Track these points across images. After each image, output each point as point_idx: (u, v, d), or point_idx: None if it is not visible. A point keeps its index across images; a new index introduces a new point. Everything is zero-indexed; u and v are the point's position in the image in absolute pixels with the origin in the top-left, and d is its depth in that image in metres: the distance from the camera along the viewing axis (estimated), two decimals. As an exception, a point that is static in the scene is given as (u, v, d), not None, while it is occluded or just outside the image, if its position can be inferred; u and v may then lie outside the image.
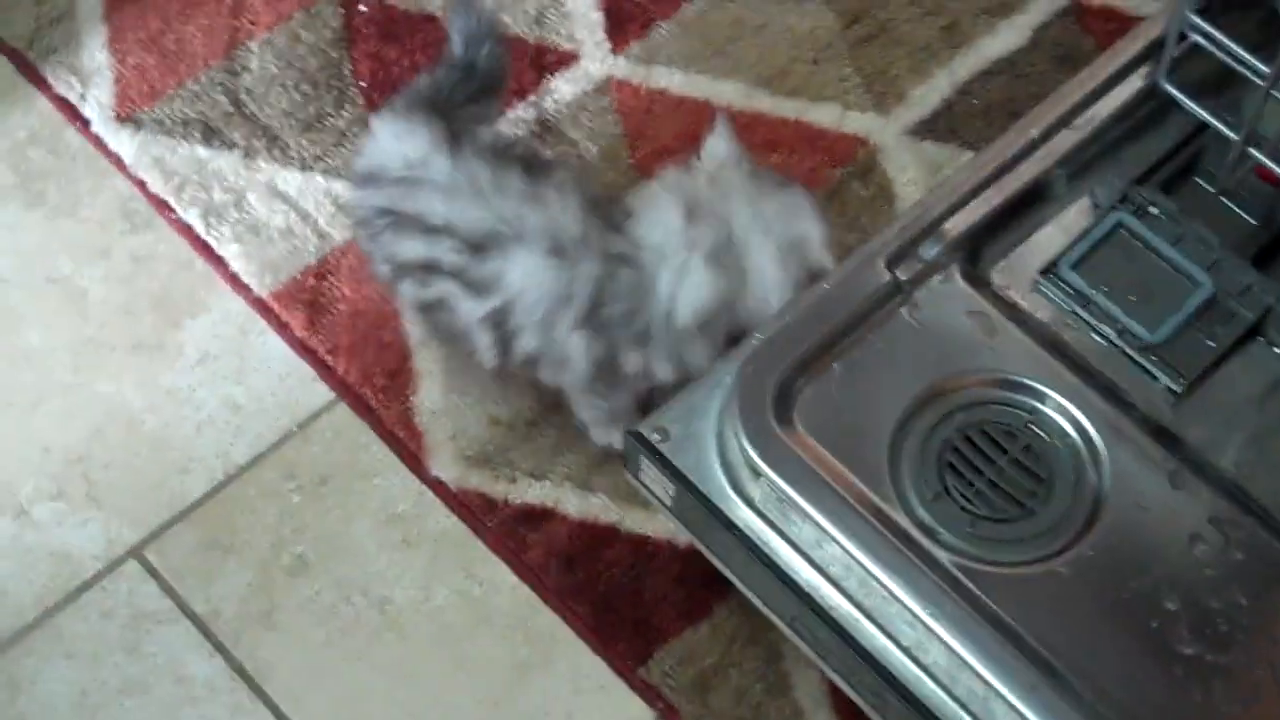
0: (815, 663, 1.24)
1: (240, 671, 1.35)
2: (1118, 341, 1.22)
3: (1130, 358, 1.21)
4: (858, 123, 1.60)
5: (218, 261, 1.54)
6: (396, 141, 1.31)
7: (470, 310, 1.29)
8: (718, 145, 1.32)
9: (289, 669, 1.35)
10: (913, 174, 1.56)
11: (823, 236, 1.28)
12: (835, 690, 1.30)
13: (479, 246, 1.27)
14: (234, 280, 1.52)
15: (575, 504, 1.41)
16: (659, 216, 1.29)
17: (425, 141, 1.30)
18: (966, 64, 1.63)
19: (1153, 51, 1.30)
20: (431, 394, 1.47)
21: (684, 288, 1.26)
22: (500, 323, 1.29)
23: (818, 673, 1.31)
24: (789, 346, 1.20)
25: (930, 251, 1.24)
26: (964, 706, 1.10)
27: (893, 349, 1.21)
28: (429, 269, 1.30)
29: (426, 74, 1.41)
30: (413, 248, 1.30)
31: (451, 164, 1.29)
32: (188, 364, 1.49)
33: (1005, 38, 1.65)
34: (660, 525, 1.39)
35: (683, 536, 1.36)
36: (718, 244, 1.26)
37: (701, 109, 1.60)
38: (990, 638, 1.08)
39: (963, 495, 1.16)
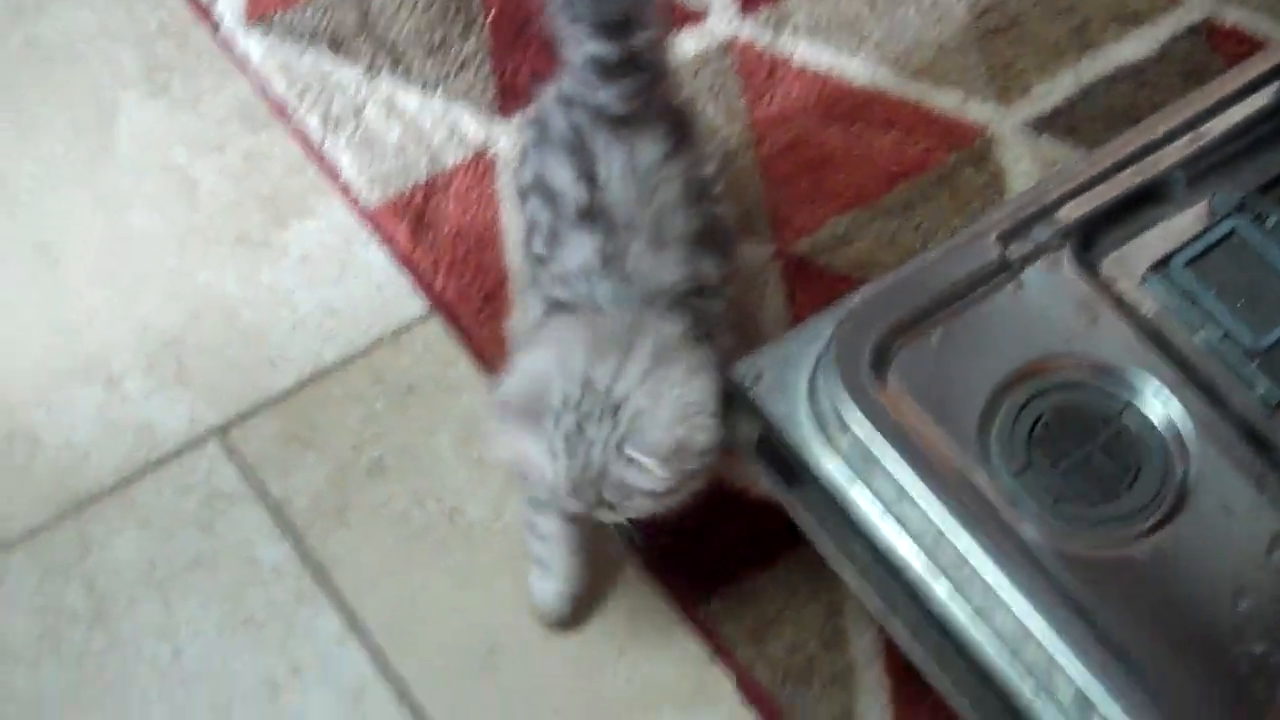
0: (875, 620, 1.26)
1: (307, 559, 1.37)
2: (1221, 344, 1.22)
3: (1232, 361, 1.21)
4: (978, 111, 1.61)
5: (330, 169, 1.56)
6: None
7: None
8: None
9: (356, 565, 1.37)
10: (1027, 166, 1.57)
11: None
12: (890, 650, 1.31)
13: None
14: (344, 189, 1.55)
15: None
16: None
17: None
18: (1093, 67, 1.64)
19: (1287, 66, 1.30)
20: (525, 319, 1.48)
21: None
22: None
23: (874, 632, 1.32)
24: (891, 307, 1.20)
25: (1043, 234, 1.24)
26: (1026, 675, 1.10)
27: (994, 323, 1.21)
28: None
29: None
30: None
31: None
32: (289, 264, 1.52)
33: (1134, 46, 1.65)
34: (741, 472, 1.39)
35: (758, 485, 1.37)
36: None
37: (823, 81, 1.61)
38: (1060, 611, 1.08)
39: (1048, 472, 1.16)
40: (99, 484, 1.40)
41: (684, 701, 1.32)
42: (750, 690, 1.32)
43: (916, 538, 1.15)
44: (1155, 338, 1.22)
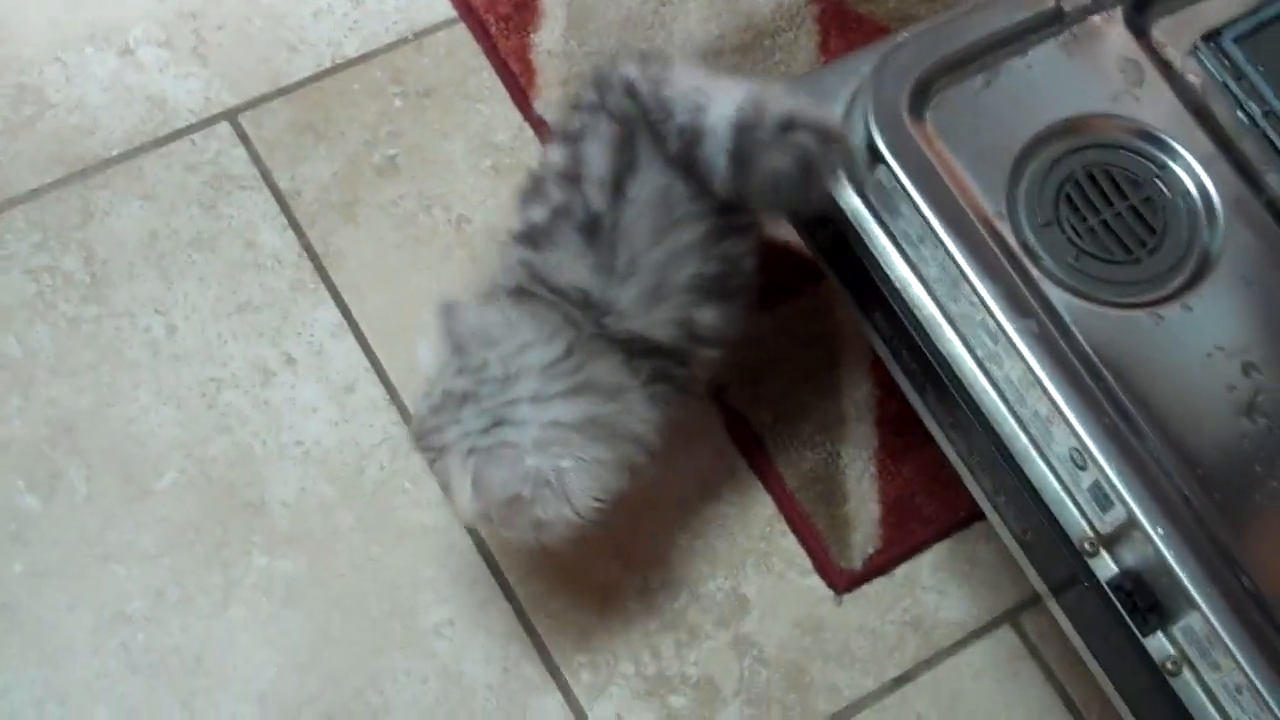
0: (871, 376, 1.26)
1: (309, 250, 1.35)
2: (1262, 121, 1.19)
3: (1271, 140, 1.19)
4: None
5: None
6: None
7: None
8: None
9: (357, 261, 1.35)
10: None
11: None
12: (882, 403, 1.31)
13: None
14: (385, -118, 1.49)
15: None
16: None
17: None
18: None
19: None
20: (553, 35, 1.45)
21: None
22: None
23: (869, 387, 1.33)
24: (937, 44, 1.18)
25: (1098, -11, 1.21)
26: (1024, 426, 1.10)
27: (1039, 74, 1.19)
28: None
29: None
30: None
31: None
32: (322, -54, 1.47)
33: None
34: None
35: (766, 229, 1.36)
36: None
37: None
38: (1066, 364, 1.08)
39: (1074, 228, 1.15)
40: (105, 151, 1.37)
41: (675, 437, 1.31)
42: (738, 428, 1.31)
43: (933, 280, 1.14)
44: (1197, 108, 1.19)
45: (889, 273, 1.16)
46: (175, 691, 1.18)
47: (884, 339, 1.19)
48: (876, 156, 1.14)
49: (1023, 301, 1.10)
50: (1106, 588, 1.06)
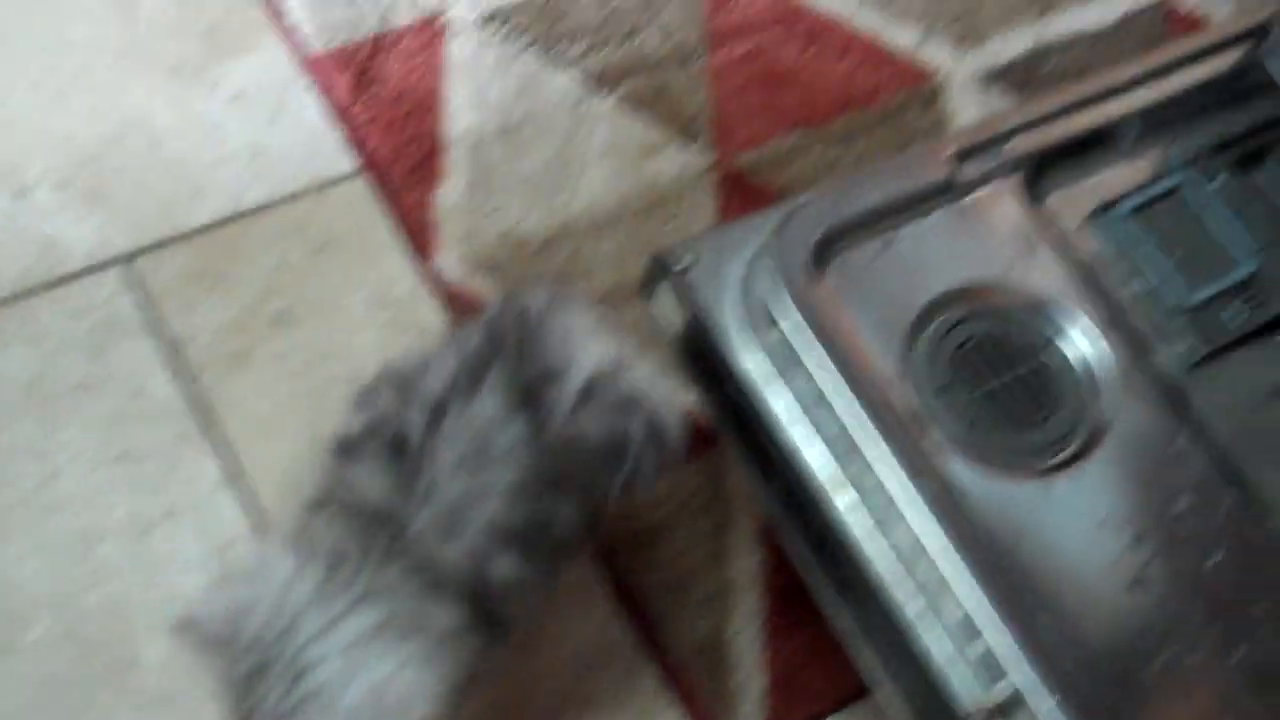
0: (761, 544, 1.27)
1: (197, 400, 1.32)
2: (1151, 295, 1.22)
3: (1160, 314, 1.21)
4: (934, 54, 1.60)
5: (276, 8, 1.51)
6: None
7: None
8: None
9: (247, 412, 1.33)
10: (973, 114, 1.56)
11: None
12: (774, 572, 1.30)
13: None
14: (289, 31, 1.50)
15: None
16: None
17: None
18: (1053, 28, 1.63)
19: (1255, 34, 1.29)
20: (456, 191, 1.45)
21: None
22: None
23: (759, 556, 1.31)
24: (838, 208, 1.19)
25: (994, 161, 1.23)
26: (915, 594, 1.08)
27: (935, 240, 1.21)
28: None
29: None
30: None
31: None
32: (223, 98, 1.47)
33: (1096, 14, 1.65)
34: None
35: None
36: None
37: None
38: (957, 532, 1.07)
39: (966, 395, 1.15)
40: (-4, 293, 1.35)
41: (556, 603, 1.28)
42: (624, 595, 1.29)
43: (828, 443, 1.13)
44: (1089, 279, 1.21)
45: (783, 435, 1.15)
46: None
47: (776, 504, 1.18)
48: (777, 315, 1.14)
49: (917, 467, 1.10)
50: (996, 760, 1.04)
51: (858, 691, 1.24)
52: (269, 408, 1.33)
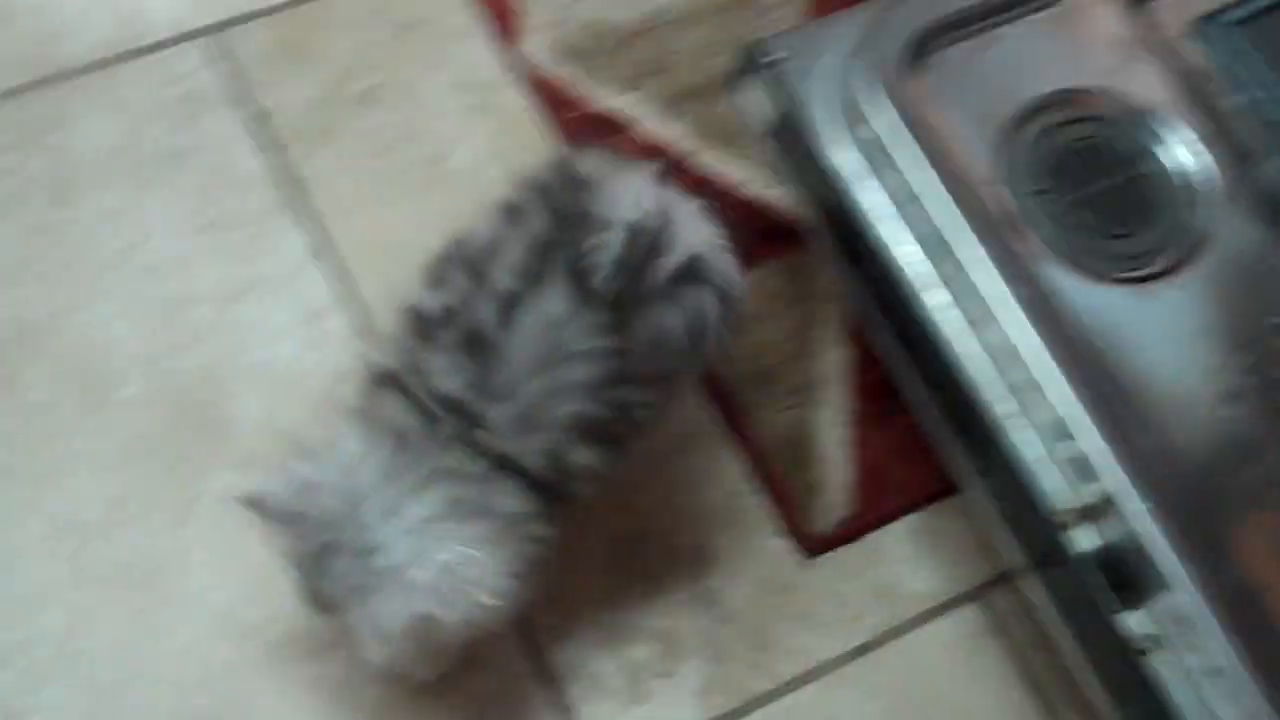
0: (850, 339, 1.27)
1: (285, 175, 1.33)
2: (1254, 107, 1.20)
3: (1262, 126, 1.19)
4: None
5: None
6: None
7: None
8: None
9: (333, 187, 1.33)
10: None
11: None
12: (861, 368, 1.30)
13: None
14: None
15: (654, 125, 1.39)
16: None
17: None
18: None
19: None
20: (546, -26, 1.43)
21: None
22: None
23: (848, 349, 1.31)
24: (935, 3, 1.18)
25: (1097, -38, 1.21)
26: (1006, 395, 1.09)
27: (1039, 42, 1.19)
28: None
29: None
30: None
31: None
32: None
33: None
34: (732, 170, 1.37)
35: (752, 187, 1.35)
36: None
37: None
38: (1053, 333, 1.07)
39: (1064, 199, 1.15)
40: (81, 59, 1.34)
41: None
42: (713, 385, 1.30)
43: (921, 242, 1.13)
44: (1191, 89, 1.20)
45: (874, 232, 1.14)
46: (126, 604, 1.15)
47: (867, 301, 1.18)
48: (871, 112, 1.13)
49: (1011, 268, 1.10)
50: (1082, 562, 1.05)
51: (940, 490, 1.25)
52: (354, 184, 1.33)
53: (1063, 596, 1.08)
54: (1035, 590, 1.10)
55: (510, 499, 0.99)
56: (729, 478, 1.26)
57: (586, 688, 1.17)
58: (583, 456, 1.01)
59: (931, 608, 1.24)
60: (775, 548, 1.24)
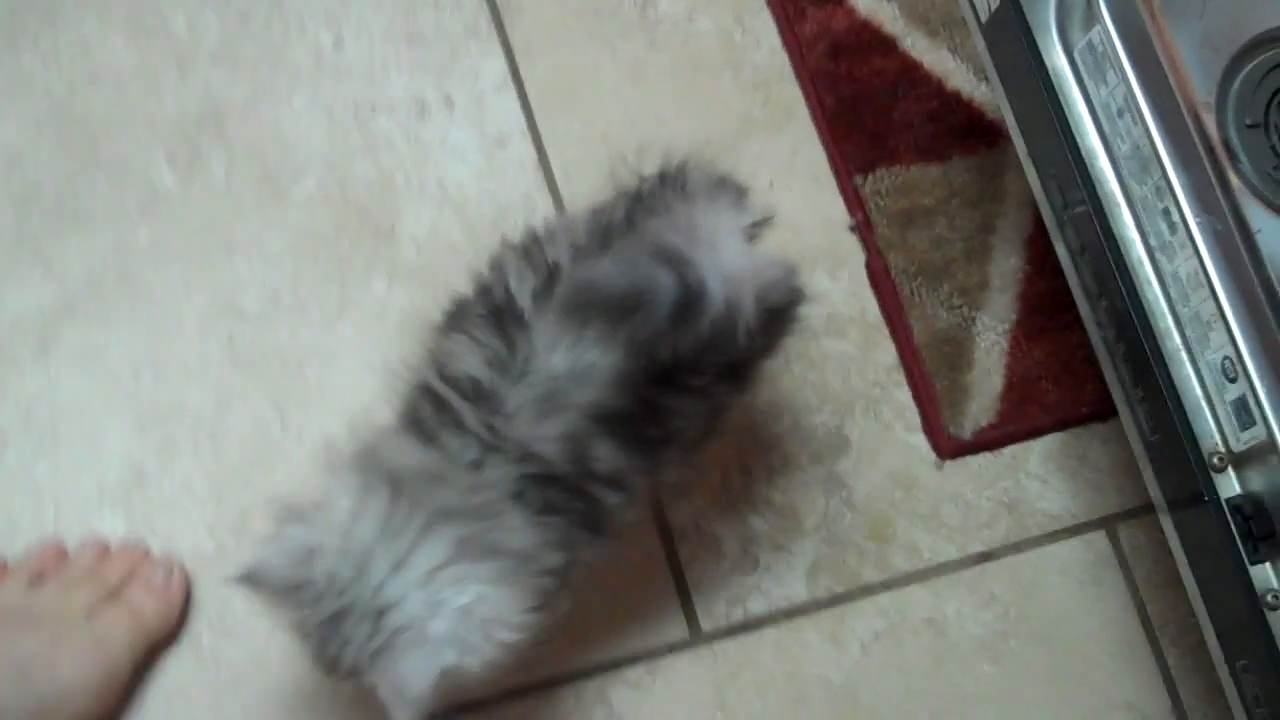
0: (1024, 248, 1.22)
1: (488, 0, 1.32)
2: None
3: None
4: None
5: None
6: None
7: None
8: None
9: (534, 19, 1.32)
10: None
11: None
12: (1030, 279, 1.28)
13: None
14: None
15: (867, 3, 1.35)
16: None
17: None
18: None
19: None
20: None
21: None
22: None
23: (1020, 259, 1.28)
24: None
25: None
26: (1181, 326, 1.05)
27: (1282, -31, 1.13)
28: None
29: None
30: None
31: None
32: None
33: None
34: (938, 59, 1.34)
35: (955, 80, 1.32)
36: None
37: None
38: (1243, 270, 1.03)
39: (1276, 137, 1.09)
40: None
41: (811, 257, 1.28)
42: (876, 270, 1.28)
43: (1125, 158, 1.09)
44: None
45: (1078, 140, 1.11)
46: (270, 392, 1.17)
47: (1054, 210, 1.15)
48: (1094, 18, 1.09)
49: (1211, 198, 1.05)
50: (1225, 507, 1.02)
51: (1086, 415, 1.23)
52: (556, 18, 1.33)
53: (1195, 539, 1.05)
54: (1168, 528, 1.07)
55: (519, 534, 0.92)
56: (876, 367, 1.25)
57: (698, 547, 1.17)
58: (605, 451, 0.92)
59: (1057, 530, 1.22)
60: (911, 444, 1.23)
